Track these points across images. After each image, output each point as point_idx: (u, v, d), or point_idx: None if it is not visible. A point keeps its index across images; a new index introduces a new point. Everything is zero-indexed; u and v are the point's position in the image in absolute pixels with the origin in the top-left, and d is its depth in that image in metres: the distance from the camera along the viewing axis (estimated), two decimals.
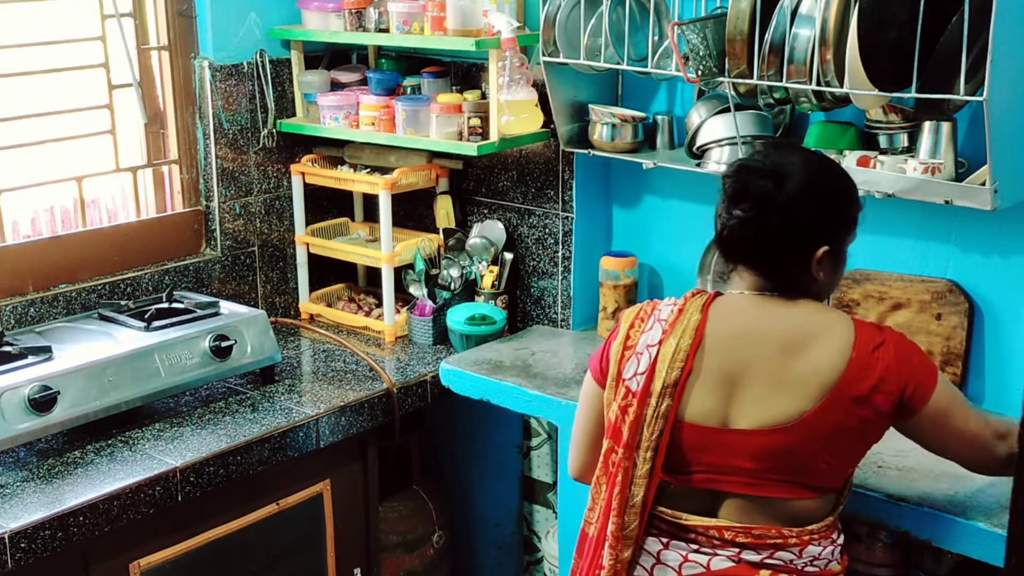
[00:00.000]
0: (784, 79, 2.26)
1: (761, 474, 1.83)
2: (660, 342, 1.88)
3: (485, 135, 2.83)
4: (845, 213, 1.89)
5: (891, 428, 1.89)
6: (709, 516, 1.87)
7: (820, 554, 1.87)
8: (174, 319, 2.66)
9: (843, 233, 1.90)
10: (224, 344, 2.61)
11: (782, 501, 1.84)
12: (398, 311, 3.11)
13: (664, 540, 1.89)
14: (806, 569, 1.86)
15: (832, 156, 2.39)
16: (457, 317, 2.95)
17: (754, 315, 1.88)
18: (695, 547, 1.87)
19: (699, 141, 2.61)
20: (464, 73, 3.08)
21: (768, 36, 2.25)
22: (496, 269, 3.08)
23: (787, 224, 1.83)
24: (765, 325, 1.86)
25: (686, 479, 1.88)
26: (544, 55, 2.69)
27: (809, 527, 1.86)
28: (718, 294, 1.94)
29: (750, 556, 1.84)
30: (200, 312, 2.72)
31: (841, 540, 1.93)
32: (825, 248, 1.84)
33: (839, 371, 1.80)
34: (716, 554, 1.85)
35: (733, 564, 1.85)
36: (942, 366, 2.43)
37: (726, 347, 1.86)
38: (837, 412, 1.80)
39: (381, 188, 2.98)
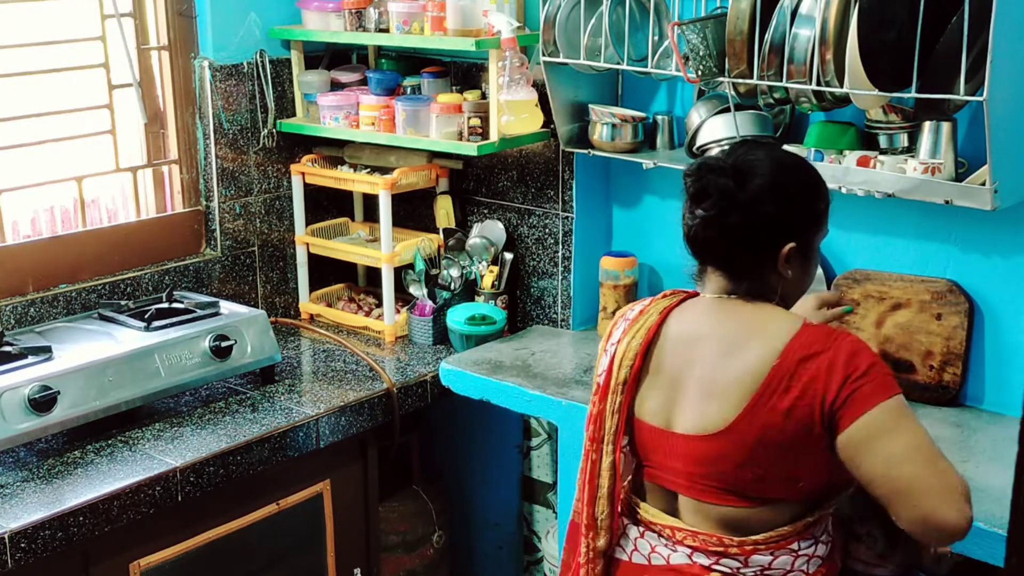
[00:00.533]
0: (784, 79, 2.26)
1: (696, 479, 1.84)
2: (618, 341, 1.92)
3: (485, 135, 2.83)
4: (811, 209, 1.85)
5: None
6: (671, 514, 1.90)
7: (771, 564, 1.82)
8: (174, 319, 2.66)
9: (811, 230, 1.85)
10: (224, 344, 2.61)
11: (717, 507, 1.83)
12: (398, 311, 3.11)
13: (640, 530, 1.94)
14: None
15: (832, 156, 2.40)
16: (457, 317, 2.95)
17: (707, 318, 1.87)
18: (663, 541, 1.90)
19: (699, 141, 2.61)
20: (464, 73, 3.08)
21: (768, 36, 2.25)
22: (496, 269, 3.08)
23: (750, 221, 1.79)
24: (711, 328, 1.85)
25: (643, 474, 1.95)
26: (544, 55, 2.69)
27: (753, 536, 1.81)
28: (690, 296, 1.94)
29: (700, 559, 1.85)
30: (200, 312, 2.72)
31: (812, 551, 1.84)
32: (792, 245, 1.80)
33: (762, 377, 1.75)
34: (675, 550, 1.88)
35: (688, 563, 1.86)
36: (942, 366, 2.43)
37: (675, 350, 1.87)
38: (758, 421, 1.75)
39: (381, 188, 2.98)
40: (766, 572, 1.83)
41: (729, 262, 1.85)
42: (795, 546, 1.83)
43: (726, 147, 2.08)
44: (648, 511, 1.93)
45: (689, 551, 1.86)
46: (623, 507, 1.97)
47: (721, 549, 1.83)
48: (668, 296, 1.95)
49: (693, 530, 1.85)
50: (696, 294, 1.94)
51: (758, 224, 1.80)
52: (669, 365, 1.87)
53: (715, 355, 1.82)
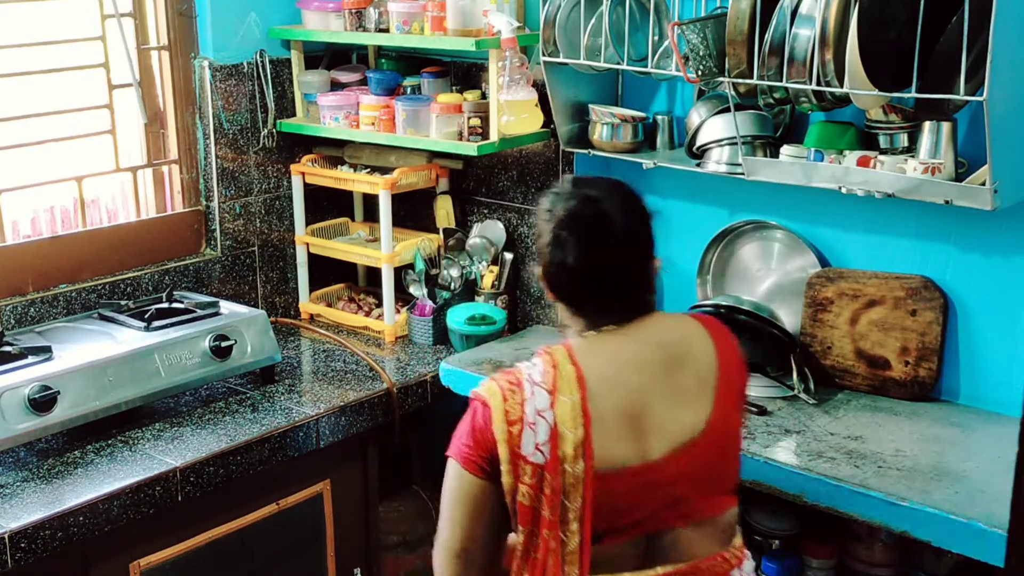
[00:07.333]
0: (784, 79, 2.26)
1: (697, 495, 1.76)
2: (551, 404, 1.71)
3: (485, 135, 2.83)
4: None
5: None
6: (648, 568, 1.75)
7: (747, 569, 1.83)
8: (174, 319, 2.66)
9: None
10: (224, 344, 2.61)
11: (720, 517, 1.79)
12: (398, 311, 3.11)
13: None
14: None
15: (832, 156, 2.40)
16: (457, 317, 2.95)
17: (620, 347, 1.78)
18: None
19: (699, 141, 2.62)
20: (464, 73, 3.08)
21: (768, 36, 2.25)
22: (496, 269, 3.08)
23: (635, 244, 1.79)
24: (634, 353, 1.77)
25: (621, 536, 1.74)
26: (544, 55, 2.69)
27: (735, 542, 1.82)
28: (566, 344, 1.82)
29: None
30: (200, 312, 2.72)
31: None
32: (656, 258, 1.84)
33: (715, 366, 1.80)
34: None
35: None
36: (918, 361, 2.45)
37: (609, 387, 1.74)
38: (726, 410, 1.80)
39: (381, 188, 2.98)
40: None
41: (616, 291, 1.80)
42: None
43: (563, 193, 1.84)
44: None
45: None
46: None
47: (726, 567, 1.78)
48: (551, 348, 1.80)
49: (692, 565, 1.75)
50: (563, 345, 1.81)
51: (642, 244, 1.82)
52: (613, 403, 1.73)
53: (660, 372, 1.77)
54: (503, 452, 1.72)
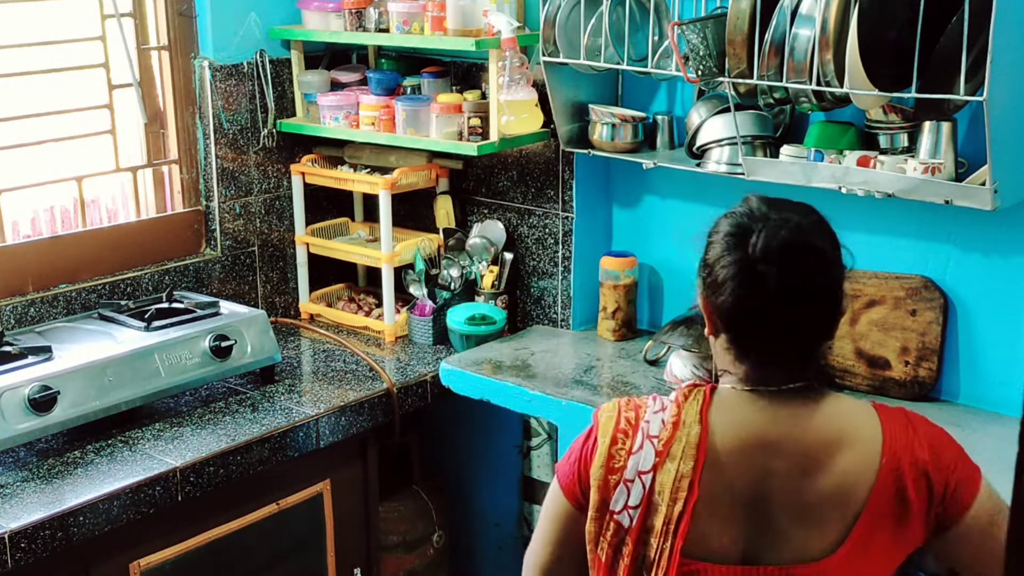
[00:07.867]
0: (784, 79, 2.26)
1: None
2: (655, 467, 1.53)
3: (485, 135, 2.83)
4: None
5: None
6: None
7: None
8: (174, 319, 2.66)
9: None
10: (224, 344, 2.61)
11: None
12: (398, 311, 3.11)
13: None
14: None
15: (832, 156, 2.40)
16: (457, 317, 2.95)
17: (765, 420, 1.53)
18: None
19: (699, 141, 2.62)
20: (464, 73, 3.08)
21: (768, 36, 2.25)
22: (496, 269, 3.08)
23: (834, 287, 1.55)
24: (777, 432, 1.52)
25: None
26: (544, 55, 2.69)
27: None
28: (714, 388, 1.60)
29: None
30: (200, 312, 2.72)
31: None
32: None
33: (870, 483, 1.49)
34: None
35: None
36: (918, 361, 2.44)
37: (734, 464, 1.52)
38: (874, 539, 1.50)
39: (381, 188, 2.98)
40: None
41: (794, 343, 1.54)
42: None
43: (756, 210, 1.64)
44: None
45: None
46: None
47: None
48: (689, 394, 1.58)
49: None
50: (714, 385, 1.60)
51: (839, 286, 1.56)
52: (729, 485, 1.51)
53: (793, 466, 1.51)
54: (593, 498, 1.58)
